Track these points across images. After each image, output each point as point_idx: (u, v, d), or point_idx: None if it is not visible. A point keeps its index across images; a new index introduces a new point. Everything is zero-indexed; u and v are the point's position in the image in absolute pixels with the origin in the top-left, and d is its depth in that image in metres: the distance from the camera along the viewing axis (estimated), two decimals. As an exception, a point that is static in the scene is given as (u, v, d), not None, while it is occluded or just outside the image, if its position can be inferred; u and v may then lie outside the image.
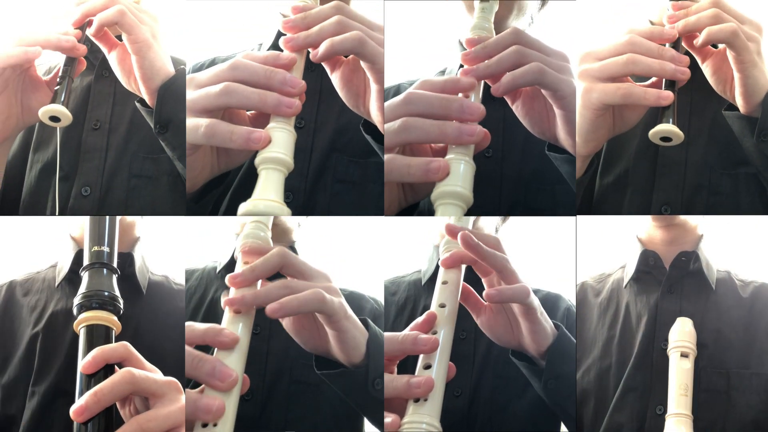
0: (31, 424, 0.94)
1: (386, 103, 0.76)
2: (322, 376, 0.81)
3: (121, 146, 1.02)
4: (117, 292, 0.77)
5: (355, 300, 1.09)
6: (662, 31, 0.85)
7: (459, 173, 0.73)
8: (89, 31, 0.91)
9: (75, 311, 0.75)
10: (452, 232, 0.79)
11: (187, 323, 0.72)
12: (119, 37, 0.92)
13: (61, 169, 1.01)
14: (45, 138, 1.04)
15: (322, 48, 0.76)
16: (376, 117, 0.80)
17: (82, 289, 0.76)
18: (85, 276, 0.77)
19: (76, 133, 1.03)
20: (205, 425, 0.67)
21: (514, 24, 1.00)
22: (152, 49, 0.89)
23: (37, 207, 1.02)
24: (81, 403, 0.66)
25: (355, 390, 0.81)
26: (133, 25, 0.88)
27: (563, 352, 0.84)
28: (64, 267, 1.04)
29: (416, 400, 0.70)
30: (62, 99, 0.87)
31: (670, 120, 0.80)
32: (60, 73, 0.89)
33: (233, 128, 0.73)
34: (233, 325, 0.73)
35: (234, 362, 0.70)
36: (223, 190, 0.93)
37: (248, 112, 0.80)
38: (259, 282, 0.77)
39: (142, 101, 0.93)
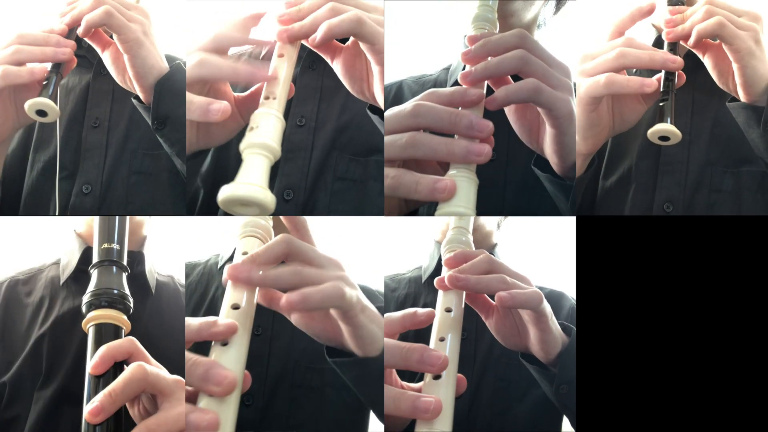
0: (37, 426, 0.93)
1: (391, 112, 0.74)
2: (333, 365, 0.77)
3: (121, 143, 1.03)
4: (127, 291, 0.76)
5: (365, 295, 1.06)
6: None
7: (463, 193, 0.70)
8: (79, 32, 0.90)
9: (84, 309, 0.74)
10: (442, 283, 0.78)
11: (186, 319, 0.67)
12: (112, 36, 0.92)
13: (64, 167, 1.01)
14: (46, 137, 1.04)
15: (320, 31, 0.74)
16: (381, 100, 0.79)
17: (91, 286, 0.75)
18: (94, 273, 0.76)
19: (76, 131, 1.03)
20: None
21: (520, 14, 0.99)
22: (144, 47, 0.89)
23: (39, 206, 1.02)
24: (96, 404, 0.65)
25: (367, 382, 0.76)
26: (122, 25, 0.88)
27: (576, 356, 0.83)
28: (69, 264, 1.03)
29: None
30: (49, 92, 0.85)
31: (668, 119, 0.81)
32: (49, 69, 0.88)
33: (193, 98, 0.73)
34: (231, 318, 0.68)
35: (232, 360, 0.65)
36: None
37: (238, 95, 0.80)
38: None
39: (138, 98, 0.93)
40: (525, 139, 0.81)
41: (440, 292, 0.78)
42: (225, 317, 0.67)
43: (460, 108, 0.73)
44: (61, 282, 1.02)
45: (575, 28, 1.04)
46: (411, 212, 0.81)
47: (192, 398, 0.64)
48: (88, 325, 0.73)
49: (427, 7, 1.39)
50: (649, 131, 0.81)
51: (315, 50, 0.81)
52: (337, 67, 0.81)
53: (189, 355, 0.63)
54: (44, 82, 0.87)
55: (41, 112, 0.85)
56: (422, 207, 0.83)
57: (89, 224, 1.04)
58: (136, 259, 1.02)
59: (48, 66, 0.88)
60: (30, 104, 0.84)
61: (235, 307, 0.68)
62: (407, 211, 0.80)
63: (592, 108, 0.83)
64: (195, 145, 0.82)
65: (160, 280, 1.07)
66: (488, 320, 0.84)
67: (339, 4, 0.76)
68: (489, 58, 0.75)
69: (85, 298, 0.74)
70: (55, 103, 0.85)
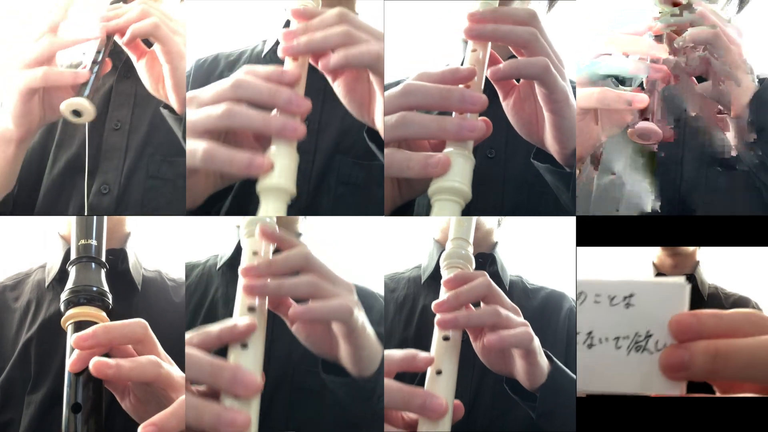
0: (30, 430, 0.92)
1: (385, 94, 0.73)
2: (326, 380, 0.78)
3: (140, 147, 1.03)
4: (106, 287, 0.75)
5: (364, 297, 1.03)
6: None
7: (458, 168, 0.70)
8: (121, 40, 0.90)
9: (62, 307, 0.73)
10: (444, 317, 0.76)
11: (202, 330, 0.68)
12: (147, 44, 0.92)
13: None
14: (69, 135, 1.05)
15: (336, 58, 0.71)
16: (381, 127, 0.76)
17: (70, 284, 0.74)
18: (72, 271, 0.76)
19: (97, 132, 1.04)
20: None
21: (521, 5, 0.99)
22: (185, 60, 0.89)
23: (58, 203, 1.03)
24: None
25: (357, 400, 0.78)
26: (168, 37, 0.88)
27: (556, 388, 0.81)
28: (53, 267, 1.03)
29: None
30: (86, 92, 0.84)
31: (641, 117, 0.82)
32: (88, 67, 0.88)
33: (233, 154, 0.69)
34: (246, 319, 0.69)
35: (251, 362, 0.66)
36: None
37: None
38: None
39: (167, 107, 0.92)
40: (525, 132, 0.80)
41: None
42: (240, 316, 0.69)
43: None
44: (47, 284, 1.02)
45: (568, 25, 1.04)
46: (406, 204, 0.80)
47: (205, 395, 0.66)
48: (67, 323, 0.72)
49: (426, 6, 1.38)
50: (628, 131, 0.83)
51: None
52: (337, 88, 0.79)
53: (210, 359, 0.65)
54: (82, 82, 0.86)
55: (76, 113, 0.84)
56: (417, 198, 0.82)
57: (71, 224, 1.05)
58: (120, 256, 1.02)
59: (87, 67, 0.88)
60: (67, 104, 0.83)
61: (251, 309, 0.69)
62: (401, 202, 0.79)
63: (581, 117, 0.83)
64: (219, 185, 0.79)
65: (146, 275, 1.06)
66: (475, 343, 0.82)
67: (353, 30, 0.72)
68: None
69: (64, 296, 0.73)
70: (93, 104, 0.84)
